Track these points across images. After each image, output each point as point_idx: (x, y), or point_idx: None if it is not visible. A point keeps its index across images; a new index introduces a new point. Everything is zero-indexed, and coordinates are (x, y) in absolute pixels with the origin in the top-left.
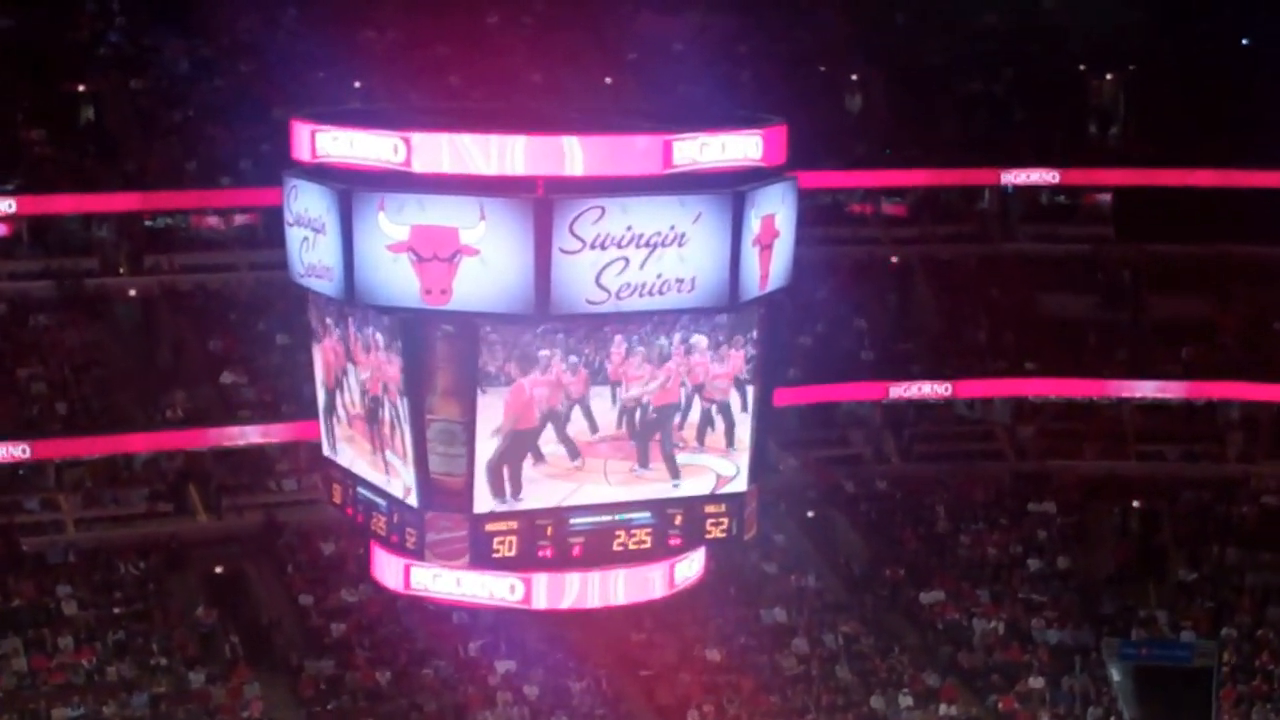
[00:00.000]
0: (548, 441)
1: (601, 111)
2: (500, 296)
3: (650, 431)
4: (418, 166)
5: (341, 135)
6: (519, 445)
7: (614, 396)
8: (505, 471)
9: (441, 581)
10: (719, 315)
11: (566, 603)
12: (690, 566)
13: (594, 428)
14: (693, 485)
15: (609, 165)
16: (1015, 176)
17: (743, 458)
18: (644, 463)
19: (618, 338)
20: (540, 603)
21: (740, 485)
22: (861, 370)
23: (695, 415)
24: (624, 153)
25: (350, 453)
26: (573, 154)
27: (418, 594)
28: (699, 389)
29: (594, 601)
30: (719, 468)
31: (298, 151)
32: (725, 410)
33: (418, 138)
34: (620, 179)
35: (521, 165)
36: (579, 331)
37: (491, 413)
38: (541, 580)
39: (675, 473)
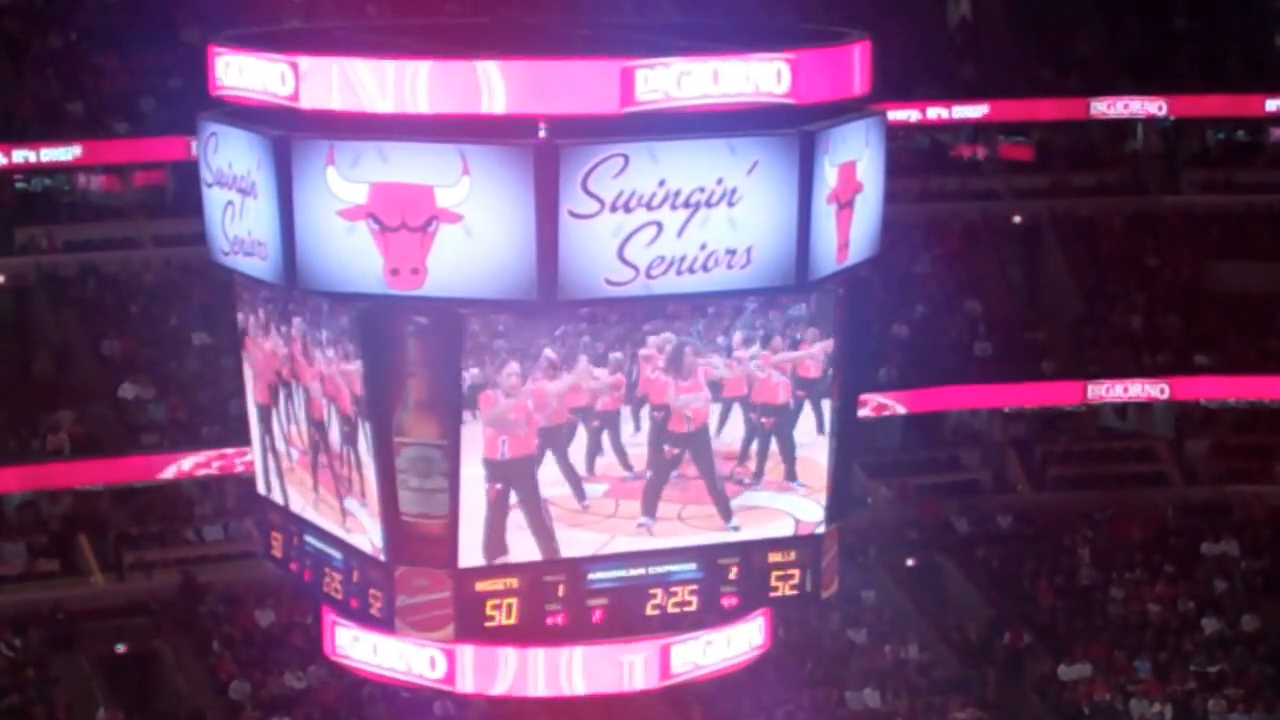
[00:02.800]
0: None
1: (620, 29)
2: (491, 277)
3: (672, 465)
4: (306, 101)
5: (234, 61)
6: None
7: (636, 419)
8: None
9: (360, 646)
10: (783, 298)
11: (500, 688)
12: (707, 650)
13: (591, 467)
14: (759, 531)
15: (542, 100)
16: (1108, 106)
17: (817, 492)
18: (651, 510)
19: (651, 338)
20: (466, 685)
21: (815, 525)
22: (974, 369)
23: (735, 436)
24: (563, 84)
25: (295, 491)
26: (491, 85)
27: (343, 663)
28: (742, 399)
29: (538, 689)
30: (796, 509)
31: (214, 86)
32: (783, 428)
33: (306, 63)
34: (558, 119)
35: (425, 100)
36: (596, 326)
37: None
38: (467, 655)
39: (727, 514)
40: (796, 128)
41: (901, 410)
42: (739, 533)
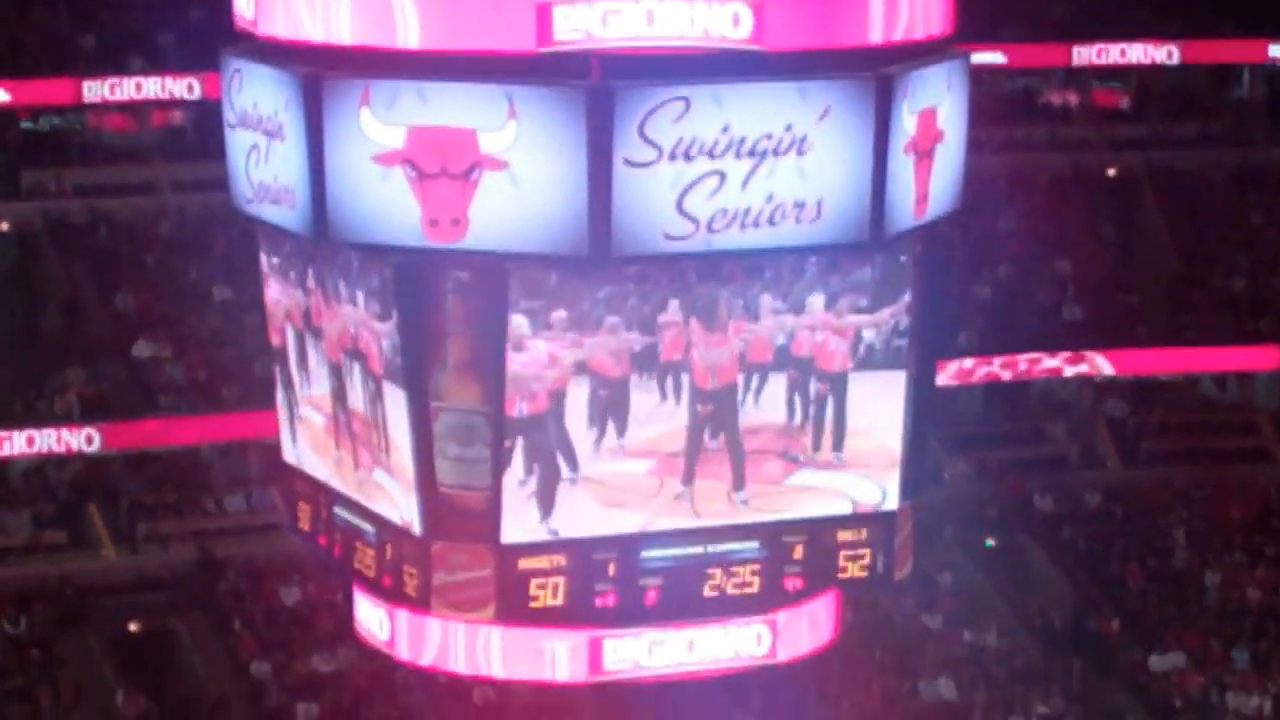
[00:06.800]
0: None
1: None
2: (538, 229)
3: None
4: (262, 27)
5: None
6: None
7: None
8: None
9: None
10: (854, 257)
11: (427, 658)
12: (653, 650)
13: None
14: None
15: (455, 36)
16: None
17: (884, 469)
18: (689, 479)
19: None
20: (402, 651)
21: (888, 501)
22: (1063, 333)
23: (780, 403)
24: (476, 18)
25: (323, 459)
26: (406, 17)
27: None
28: (798, 362)
29: (459, 665)
30: (849, 488)
31: (240, 19)
32: (840, 395)
33: None
34: (473, 56)
35: (347, 30)
36: (647, 285)
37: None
38: (402, 620)
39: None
40: (873, 70)
41: (1109, 371)
42: (764, 514)
